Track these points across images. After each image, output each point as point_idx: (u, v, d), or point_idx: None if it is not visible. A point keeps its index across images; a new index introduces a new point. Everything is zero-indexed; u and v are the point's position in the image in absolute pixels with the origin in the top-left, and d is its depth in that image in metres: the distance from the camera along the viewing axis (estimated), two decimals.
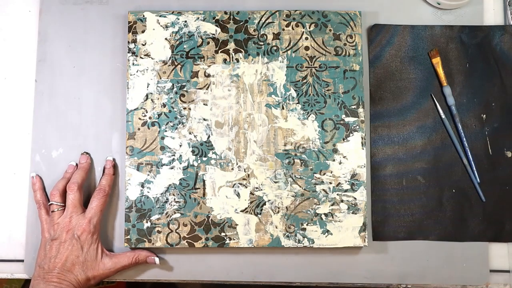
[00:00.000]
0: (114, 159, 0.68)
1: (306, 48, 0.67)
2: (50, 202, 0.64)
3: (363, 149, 0.66)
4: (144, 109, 0.66)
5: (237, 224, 0.65)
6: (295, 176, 0.66)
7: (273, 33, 0.67)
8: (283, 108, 0.66)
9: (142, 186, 0.65)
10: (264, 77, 0.67)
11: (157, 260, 0.65)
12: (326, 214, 0.65)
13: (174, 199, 0.65)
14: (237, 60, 0.67)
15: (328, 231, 0.65)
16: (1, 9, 0.72)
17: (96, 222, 0.64)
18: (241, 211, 0.65)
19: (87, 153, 0.68)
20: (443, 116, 0.68)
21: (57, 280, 0.60)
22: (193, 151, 0.66)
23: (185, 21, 0.68)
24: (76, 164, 0.67)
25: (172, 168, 0.66)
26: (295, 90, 0.67)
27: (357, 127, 0.66)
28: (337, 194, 0.65)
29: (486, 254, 0.67)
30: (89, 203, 0.65)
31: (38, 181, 0.67)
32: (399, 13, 0.71)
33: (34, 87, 0.69)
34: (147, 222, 0.65)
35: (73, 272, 0.61)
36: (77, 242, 0.62)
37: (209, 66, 0.67)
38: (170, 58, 0.67)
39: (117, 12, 0.70)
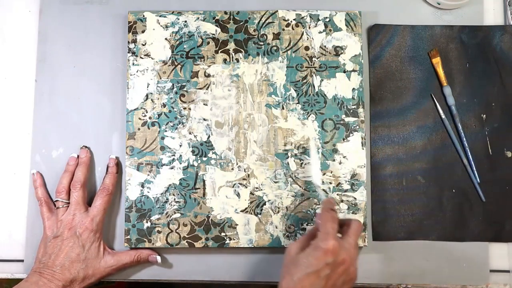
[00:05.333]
0: (117, 158, 0.68)
1: (306, 48, 0.67)
2: (56, 199, 0.65)
3: (363, 149, 0.66)
4: (144, 109, 0.66)
5: (237, 224, 0.65)
6: (295, 176, 0.66)
7: (273, 33, 0.68)
8: (283, 108, 0.66)
9: (142, 186, 0.65)
10: (264, 77, 0.67)
11: (159, 258, 0.65)
12: None
13: (174, 199, 0.65)
14: (237, 60, 0.67)
15: None
16: (1, 9, 0.72)
17: (99, 221, 0.64)
18: (241, 211, 0.65)
19: (86, 147, 0.68)
20: (443, 116, 0.68)
21: (50, 277, 0.60)
22: (193, 151, 0.66)
23: (185, 21, 0.68)
24: (78, 156, 0.67)
25: (172, 168, 0.66)
26: (295, 90, 0.67)
27: (357, 127, 0.66)
28: (337, 194, 0.65)
29: (486, 254, 0.67)
30: (93, 202, 0.65)
31: (39, 178, 0.67)
32: (399, 13, 0.71)
33: (34, 87, 0.69)
34: (147, 222, 0.65)
35: (71, 270, 0.61)
36: (79, 240, 0.62)
37: (209, 66, 0.67)
38: (170, 58, 0.67)
39: (117, 12, 0.70)
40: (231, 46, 0.67)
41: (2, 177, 0.69)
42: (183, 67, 0.67)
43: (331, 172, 0.66)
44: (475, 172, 0.67)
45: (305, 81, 0.67)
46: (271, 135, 0.66)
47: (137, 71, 0.67)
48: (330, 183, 0.65)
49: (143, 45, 0.67)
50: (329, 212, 0.55)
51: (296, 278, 0.51)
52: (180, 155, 0.66)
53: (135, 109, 0.66)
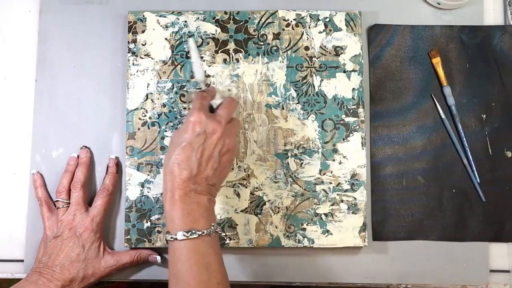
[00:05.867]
0: (117, 158, 0.68)
1: (306, 48, 0.67)
2: (56, 199, 0.65)
3: (363, 149, 0.66)
4: (144, 109, 0.66)
5: (237, 224, 0.65)
6: (295, 176, 0.66)
7: (273, 33, 0.67)
8: (283, 108, 0.66)
9: (142, 186, 0.65)
10: (264, 77, 0.67)
11: (158, 258, 0.65)
12: (326, 214, 0.65)
13: None
14: (237, 60, 0.67)
15: (328, 231, 0.65)
16: (1, 9, 0.72)
17: (99, 221, 0.64)
18: (241, 211, 0.65)
19: (86, 147, 0.68)
20: (443, 116, 0.68)
21: (49, 277, 0.60)
22: None
23: (185, 21, 0.68)
24: (78, 156, 0.67)
25: None
26: (295, 90, 0.67)
27: (357, 127, 0.66)
28: (337, 194, 0.65)
29: (486, 254, 0.67)
30: (93, 202, 0.65)
31: (39, 178, 0.67)
32: (399, 13, 0.71)
33: (34, 87, 0.69)
34: (147, 222, 0.65)
35: (71, 270, 0.61)
36: (79, 240, 0.62)
37: (209, 66, 0.67)
38: (170, 58, 0.67)
39: (117, 12, 0.70)
40: (231, 46, 0.67)
41: (2, 177, 0.69)
42: (183, 67, 0.67)
43: (331, 172, 0.66)
44: (475, 172, 0.67)
45: (305, 81, 0.67)
46: (271, 135, 0.66)
47: (137, 71, 0.67)
48: (330, 183, 0.65)
49: (143, 45, 0.67)
50: (199, 93, 0.59)
51: (173, 156, 0.55)
52: None
53: (135, 109, 0.66)
